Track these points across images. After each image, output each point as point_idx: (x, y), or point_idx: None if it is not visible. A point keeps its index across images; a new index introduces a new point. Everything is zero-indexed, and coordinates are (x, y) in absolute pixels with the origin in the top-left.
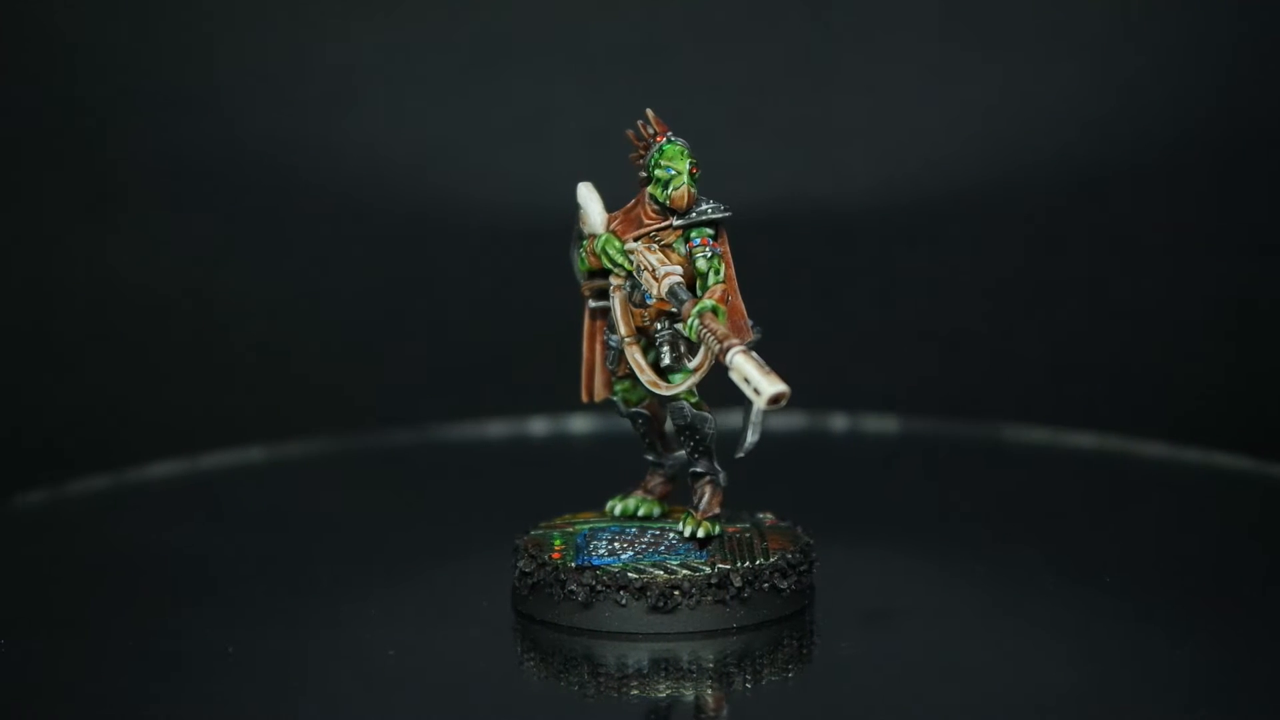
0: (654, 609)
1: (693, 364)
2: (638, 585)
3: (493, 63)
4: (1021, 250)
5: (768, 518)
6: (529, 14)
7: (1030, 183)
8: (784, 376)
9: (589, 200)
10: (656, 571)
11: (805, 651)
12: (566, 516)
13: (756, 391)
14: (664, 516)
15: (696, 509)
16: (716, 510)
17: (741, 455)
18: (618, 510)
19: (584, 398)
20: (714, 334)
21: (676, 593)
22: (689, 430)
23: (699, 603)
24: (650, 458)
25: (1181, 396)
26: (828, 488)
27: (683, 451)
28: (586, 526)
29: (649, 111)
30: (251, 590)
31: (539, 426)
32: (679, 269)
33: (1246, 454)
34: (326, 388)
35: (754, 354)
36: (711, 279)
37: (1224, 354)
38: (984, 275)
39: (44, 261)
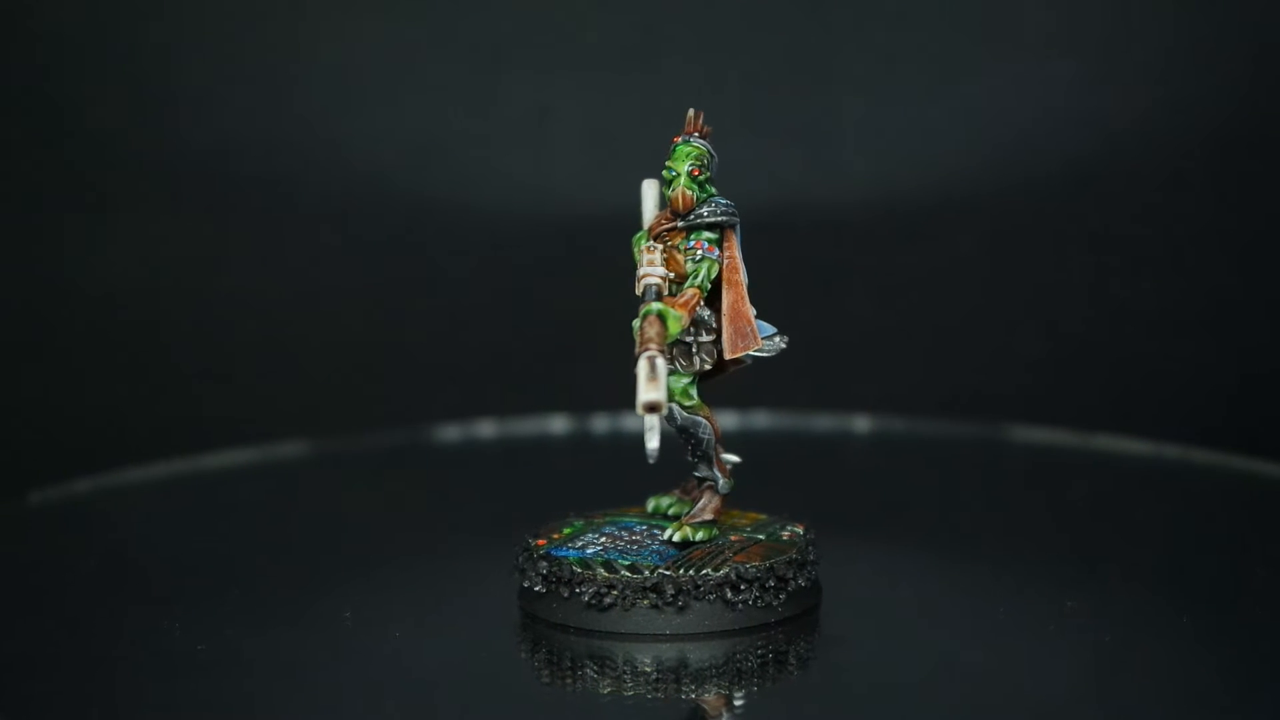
0: (589, 606)
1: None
2: (576, 581)
3: (493, 63)
4: (1021, 250)
5: (787, 530)
6: (529, 14)
7: (1029, 182)
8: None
9: (645, 197)
10: (600, 570)
11: (766, 668)
12: (622, 508)
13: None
14: None
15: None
16: (709, 516)
17: (651, 461)
18: (650, 507)
19: None
20: (640, 337)
21: (613, 592)
22: (683, 434)
23: (633, 605)
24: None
25: (1181, 396)
26: (826, 487)
27: (727, 454)
28: (607, 520)
29: (690, 111)
30: (250, 591)
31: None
32: (660, 271)
33: (1246, 453)
34: (327, 388)
35: (658, 362)
36: (689, 283)
37: (1223, 354)
38: (983, 275)
39: (44, 261)
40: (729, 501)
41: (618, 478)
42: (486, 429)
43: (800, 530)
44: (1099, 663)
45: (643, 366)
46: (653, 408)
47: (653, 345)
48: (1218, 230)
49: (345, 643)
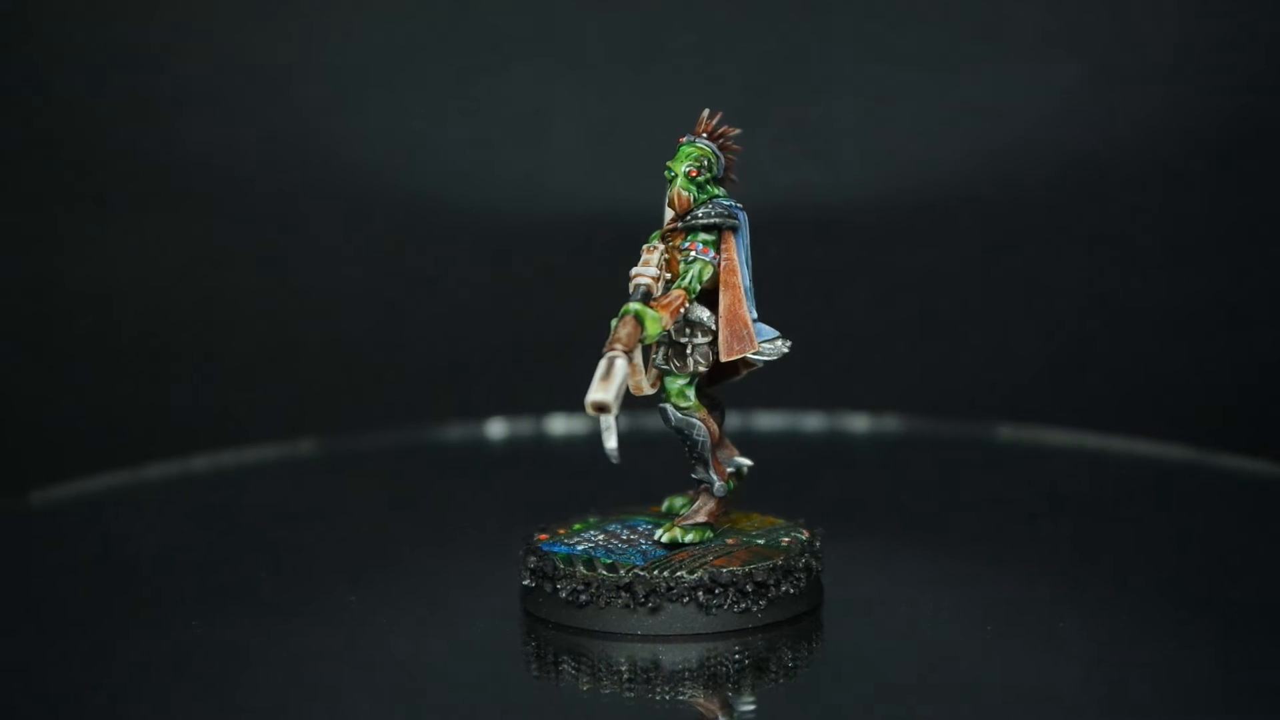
0: (568, 603)
1: None
2: (558, 577)
3: (493, 62)
4: (1020, 250)
5: (790, 535)
6: (528, 14)
7: (1029, 183)
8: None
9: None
10: (580, 567)
11: (743, 674)
12: (643, 507)
13: None
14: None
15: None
16: (702, 519)
17: (614, 460)
18: (665, 507)
19: None
20: (611, 335)
21: (590, 590)
22: (678, 434)
23: (608, 604)
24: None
25: (1180, 396)
26: (824, 487)
27: (740, 458)
28: (617, 518)
29: (704, 111)
30: (253, 589)
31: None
32: (652, 271)
33: (1244, 453)
34: (326, 388)
35: (617, 363)
36: (676, 284)
37: (1222, 353)
38: (983, 275)
39: (44, 261)
40: (746, 504)
41: (651, 475)
42: (490, 429)
43: (804, 536)
44: (1099, 663)
45: (600, 366)
46: (600, 408)
47: (618, 345)
48: (1218, 230)
49: (344, 639)
